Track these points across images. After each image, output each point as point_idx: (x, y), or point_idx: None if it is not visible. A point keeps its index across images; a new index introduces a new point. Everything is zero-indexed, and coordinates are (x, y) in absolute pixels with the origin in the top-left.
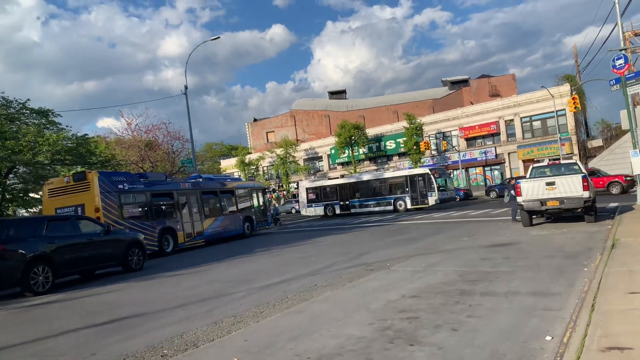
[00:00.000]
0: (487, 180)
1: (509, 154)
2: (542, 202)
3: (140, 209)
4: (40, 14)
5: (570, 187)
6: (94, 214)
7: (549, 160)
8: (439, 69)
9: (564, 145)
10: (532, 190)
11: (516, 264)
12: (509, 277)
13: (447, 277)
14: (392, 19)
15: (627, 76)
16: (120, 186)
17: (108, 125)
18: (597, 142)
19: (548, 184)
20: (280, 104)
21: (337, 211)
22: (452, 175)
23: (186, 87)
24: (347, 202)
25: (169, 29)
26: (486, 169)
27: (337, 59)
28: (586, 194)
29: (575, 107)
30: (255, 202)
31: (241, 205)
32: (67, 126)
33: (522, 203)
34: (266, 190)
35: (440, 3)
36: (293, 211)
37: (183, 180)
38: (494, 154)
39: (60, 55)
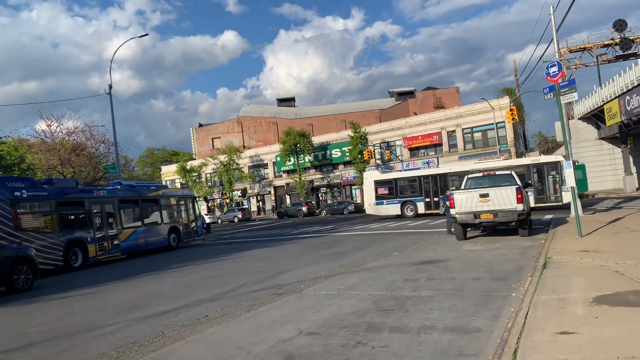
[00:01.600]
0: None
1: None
2: (476, 214)
3: (41, 220)
4: None
5: (505, 199)
6: None
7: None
8: (389, 80)
9: (503, 156)
10: (465, 202)
11: (440, 287)
12: (429, 304)
13: (360, 305)
14: (344, 30)
15: (560, 84)
16: (17, 193)
17: (44, 128)
18: (535, 154)
19: (482, 195)
20: (232, 111)
21: (421, 210)
22: None
23: (110, 87)
24: (435, 199)
25: (117, 31)
26: None
27: (290, 67)
28: (520, 207)
29: (513, 119)
30: (183, 212)
31: (166, 215)
32: None
33: (456, 215)
34: (196, 199)
35: (390, 17)
36: (235, 220)
37: (97, 187)
38: (437, 164)
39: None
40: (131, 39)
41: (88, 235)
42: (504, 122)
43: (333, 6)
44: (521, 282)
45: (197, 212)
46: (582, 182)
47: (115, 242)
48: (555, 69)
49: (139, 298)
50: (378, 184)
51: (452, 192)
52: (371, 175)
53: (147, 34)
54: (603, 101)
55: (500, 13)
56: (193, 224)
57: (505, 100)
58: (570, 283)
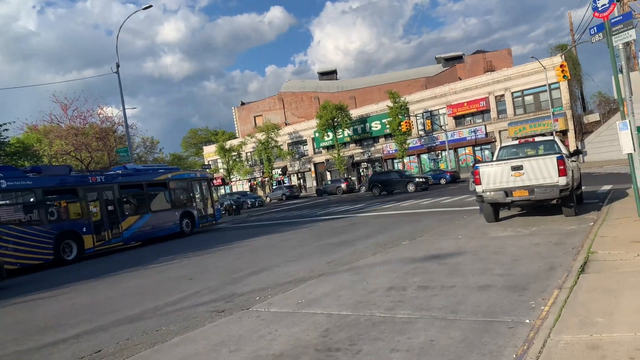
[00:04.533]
0: (478, 160)
1: (499, 132)
2: (507, 191)
3: (25, 211)
4: (36, 3)
5: (542, 172)
6: None
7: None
8: (441, 47)
9: (557, 120)
10: (494, 177)
11: (428, 304)
12: (396, 339)
13: (302, 337)
14: None
15: (612, 20)
16: None
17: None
18: (594, 117)
19: (514, 168)
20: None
21: None
22: (439, 157)
23: (118, 66)
24: None
25: (167, 15)
26: (476, 148)
27: (337, 40)
28: (563, 181)
29: (564, 76)
30: (197, 195)
31: (178, 200)
32: None
33: (482, 194)
34: (213, 180)
35: None
36: (283, 197)
37: (94, 173)
38: (484, 132)
39: (57, 44)
40: (136, 11)
41: (83, 225)
42: (558, 83)
43: None
44: (545, 296)
45: (215, 194)
46: None
47: (116, 231)
48: (604, 0)
49: (68, 312)
50: None
51: (477, 165)
52: None
53: (151, 5)
54: None
55: None
56: (209, 208)
57: (559, 59)
58: (614, 306)
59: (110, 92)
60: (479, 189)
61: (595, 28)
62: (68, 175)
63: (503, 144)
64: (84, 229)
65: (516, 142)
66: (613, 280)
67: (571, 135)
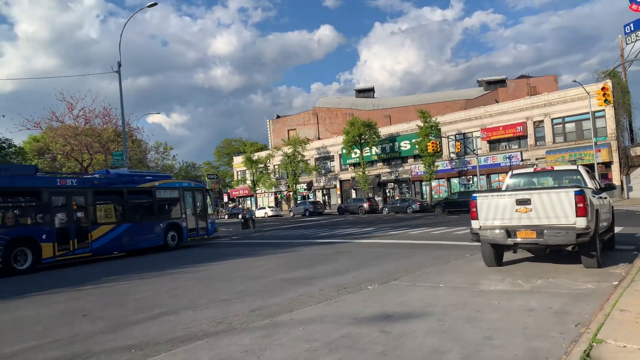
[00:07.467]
0: None
1: (536, 159)
2: (510, 231)
3: None
4: (100, 12)
5: (555, 209)
6: None
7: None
8: (489, 72)
9: (600, 151)
10: (494, 211)
11: None
12: None
13: None
14: (443, 21)
15: None
16: None
17: (159, 121)
18: None
19: (520, 202)
20: None
21: None
22: (470, 182)
23: (119, 65)
24: None
25: (221, 28)
26: None
27: (384, 60)
28: (581, 222)
29: (605, 100)
30: (188, 207)
31: (164, 210)
32: None
33: (479, 231)
34: (208, 191)
35: (491, 5)
36: (307, 213)
37: (64, 176)
38: (520, 159)
39: (115, 52)
40: (139, 10)
41: (43, 232)
42: (603, 111)
43: None
44: None
45: (210, 206)
46: None
47: (84, 240)
48: None
49: None
50: None
51: (474, 195)
52: None
53: (156, 3)
54: None
55: None
56: (202, 221)
57: (606, 84)
58: None
59: (160, 99)
60: (475, 224)
61: (632, 25)
62: (33, 177)
63: (515, 172)
64: (44, 236)
65: (531, 169)
66: None
67: (615, 167)
